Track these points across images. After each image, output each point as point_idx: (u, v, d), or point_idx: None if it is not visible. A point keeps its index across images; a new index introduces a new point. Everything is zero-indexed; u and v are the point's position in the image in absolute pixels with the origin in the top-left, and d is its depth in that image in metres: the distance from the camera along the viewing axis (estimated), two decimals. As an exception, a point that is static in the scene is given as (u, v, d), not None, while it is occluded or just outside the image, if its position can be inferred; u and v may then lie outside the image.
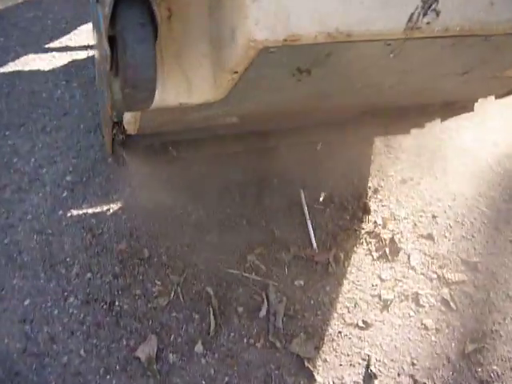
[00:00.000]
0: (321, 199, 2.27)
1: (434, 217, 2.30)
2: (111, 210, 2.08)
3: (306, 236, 2.13)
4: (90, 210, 2.07)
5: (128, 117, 1.33)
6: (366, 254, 2.12)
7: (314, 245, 2.10)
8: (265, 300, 1.91)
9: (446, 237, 2.23)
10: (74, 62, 2.57)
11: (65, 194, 2.11)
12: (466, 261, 2.15)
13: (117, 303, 1.84)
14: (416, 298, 2.00)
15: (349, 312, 1.94)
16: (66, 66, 2.55)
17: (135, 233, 2.03)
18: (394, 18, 0.87)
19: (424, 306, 1.98)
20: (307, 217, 2.18)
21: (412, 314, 1.97)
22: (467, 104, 1.86)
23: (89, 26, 2.74)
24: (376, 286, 2.03)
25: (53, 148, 2.24)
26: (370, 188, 2.35)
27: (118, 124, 1.44)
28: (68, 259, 1.93)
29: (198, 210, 2.14)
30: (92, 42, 2.71)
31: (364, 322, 1.91)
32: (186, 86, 1.11)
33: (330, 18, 0.83)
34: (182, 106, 1.13)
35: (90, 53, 2.64)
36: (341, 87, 1.27)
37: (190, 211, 2.13)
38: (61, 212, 2.06)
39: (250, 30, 0.81)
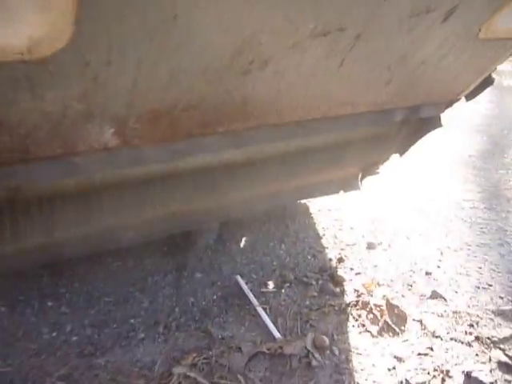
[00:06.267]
0: (269, 282, 1.54)
1: (427, 273, 1.63)
2: None
3: (261, 327, 1.33)
4: None
5: None
6: (360, 332, 1.34)
7: (277, 334, 1.29)
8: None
9: (456, 292, 1.55)
10: None
11: None
12: (501, 311, 1.45)
13: None
14: (467, 375, 1.21)
15: (370, 418, 1.08)
16: None
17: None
18: None
19: None
20: (255, 303, 1.41)
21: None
22: (435, 111, 1.41)
23: None
24: (394, 369, 1.22)
25: None
26: (331, 260, 1.68)
27: None
28: None
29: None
30: None
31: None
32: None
33: None
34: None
35: None
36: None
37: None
38: None
39: None
